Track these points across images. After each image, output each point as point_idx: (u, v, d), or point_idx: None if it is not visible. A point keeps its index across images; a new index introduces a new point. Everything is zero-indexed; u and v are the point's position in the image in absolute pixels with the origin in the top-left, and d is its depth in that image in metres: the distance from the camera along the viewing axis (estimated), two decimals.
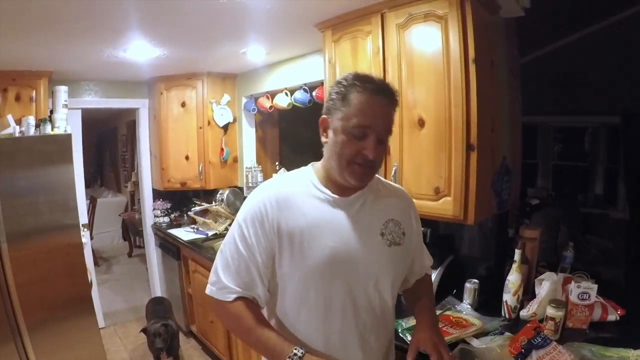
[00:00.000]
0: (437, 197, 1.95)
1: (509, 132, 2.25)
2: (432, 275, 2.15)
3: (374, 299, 1.29)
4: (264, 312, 1.35)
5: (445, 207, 1.92)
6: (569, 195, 4.08)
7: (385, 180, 1.47)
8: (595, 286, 1.74)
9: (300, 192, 1.26)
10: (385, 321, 1.36)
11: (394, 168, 2.09)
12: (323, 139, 1.27)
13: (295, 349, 1.16)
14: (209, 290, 1.28)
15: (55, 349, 2.85)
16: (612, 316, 1.79)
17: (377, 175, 1.37)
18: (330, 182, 1.28)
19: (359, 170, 1.19)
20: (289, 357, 1.15)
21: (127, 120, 7.11)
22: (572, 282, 1.80)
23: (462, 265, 2.28)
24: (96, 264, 5.83)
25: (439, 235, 2.38)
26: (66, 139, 2.96)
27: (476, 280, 2.08)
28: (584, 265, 2.06)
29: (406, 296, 1.56)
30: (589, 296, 1.73)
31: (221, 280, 1.24)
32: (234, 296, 1.23)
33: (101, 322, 4.13)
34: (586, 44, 3.19)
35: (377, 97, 1.17)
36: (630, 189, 3.49)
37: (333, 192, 1.26)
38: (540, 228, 2.16)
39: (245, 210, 1.25)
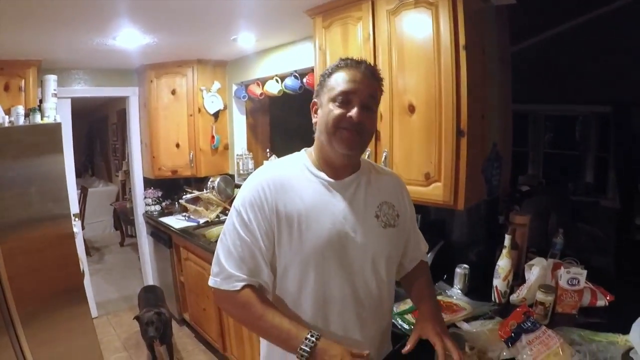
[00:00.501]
0: (427, 182, 1.96)
1: (500, 119, 2.26)
2: None
3: (371, 282, 1.31)
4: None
5: (436, 192, 1.93)
6: (559, 183, 4.10)
7: (378, 164, 1.48)
8: (585, 272, 1.75)
9: (296, 176, 1.27)
10: (382, 305, 1.38)
11: (384, 154, 2.09)
12: (314, 119, 1.30)
13: (310, 334, 1.16)
14: (213, 282, 1.26)
15: (49, 339, 2.84)
16: (602, 302, 1.80)
17: (369, 160, 1.39)
18: (323, 164, 1.29)
19: (347, 135, 1.21)
20: (305, 340, 1.15)
21: (117, 109, 7.04)
22: (562, 268, 1.80)
23: (452, 250, 2.29)
24: (88, 253, 5.83)
25: (430, 221, 2.39)
26: (56, 128, 2.92)
27: (466, 266, 2.09)
28: (573, 252, 2.07)
29: (406, 285, 1.57)
30: (579, 281, 1.74)
31: (225, 270, 1.22)
32: (241, 284, 1.21)
33: (94, 312, 4.12)
34: (578, 33, 3.19)
35: (358, 68, 1.23)
36: (620, 177, 3.51)
37: (328, 176, 1.28)
38: (530, 214, 2.17)
39: (243, 195, 1.25)
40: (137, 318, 3.23)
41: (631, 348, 1.40)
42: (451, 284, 2.12)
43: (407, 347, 1.32)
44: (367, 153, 2.15)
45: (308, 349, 1.14)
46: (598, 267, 1.93)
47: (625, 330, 1.46)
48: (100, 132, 8.88)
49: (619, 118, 3.58)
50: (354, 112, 1.19)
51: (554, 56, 3.37)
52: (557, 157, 4.50)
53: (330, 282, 1.25)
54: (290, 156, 1.37)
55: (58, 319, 2.88)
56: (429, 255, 2.15)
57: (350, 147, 1.23)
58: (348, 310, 1.28)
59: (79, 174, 7.59)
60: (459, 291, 2.07)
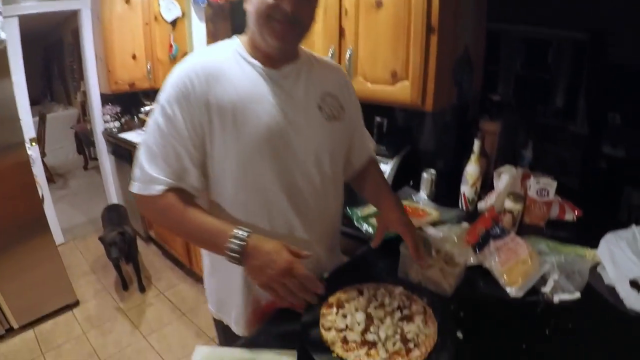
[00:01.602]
0: (394, 81, 1.85)
1: (473, 23, 2.15)
2: (388, 166, 2.12)
3: (315, 177, 1.22)
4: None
5: (403, 92, 1.83)
6: (529, 105, 4.08)
7: (319, 55, 1.34)
8: (555, 183, 1.71)
9: (228, 64, 1.13)
10: (327, 201, 1.30)
11: (348, 52, 1.97)
12: (246, 7, 1.13)
13: (238, 229, 1.03)
14: (134, 187, 1.11)
15: (15, 272, 2.84)
16: (570, 216, 1.77)
17: (308, 50, 1.27)
18: (257, 52, 1.14)
19: (279, 28, 1.06)
20: (233, 239, 1.02)
21: (72, 28, 6.62)
22: (532, 178, 1.76)
23: (419, 156, 2.24)
24: (52, 181, 5.73)
25: (397, 127, 2.33)
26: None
27: (433, 171, 2.05)
28: (541, 170, 2.04)
29: (358, 184, 1.50)
30: (548, 193, 1.70)
31: (146, 173, 1.08)
32: (161, 188, 1.07)
33: (60, 238, 4.13)
34: None
35: None
36: (590, 105, 3.49)
37: (262, 63, 1.14)
38: (501, 122, 2.11)
39: (168, 87, 1.09)
40: (100, 239, 3.17)
41: (599, 263, 1.40)
42: (417, 189, 2.09)
43: (375, 241, 1.30)
44: (331, 52, 2.03)
45: (238, 248, 1.01)
46: (566, 185, 1.90)
47: (593, 245, 1.46)
48: (56, 54, 8.44)
49: (595, 46, 3.50)
50: (287, 1, 1.04)
51: None
52: (528, 80, 4.44)
53: (271, 179, 1.14)
54: (220, 42, 1.20)
55: (22, 250, 2.87)
56: (394, 160, 2.11)
57: (284, 40, 1.09)
58: (292, 210, 1.20)
59: (38, 101, 7.35)
60: (426, 197, 2.04)
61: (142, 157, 1.10)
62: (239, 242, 1.01)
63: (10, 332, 2.92)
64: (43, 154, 5.17)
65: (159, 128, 1.08)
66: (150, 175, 1.07)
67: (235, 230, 1.02)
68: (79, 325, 3.06)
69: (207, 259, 1.37)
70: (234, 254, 1.01)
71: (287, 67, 1.17)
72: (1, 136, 2.69)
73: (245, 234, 1.02)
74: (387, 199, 1.37)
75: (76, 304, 3.26)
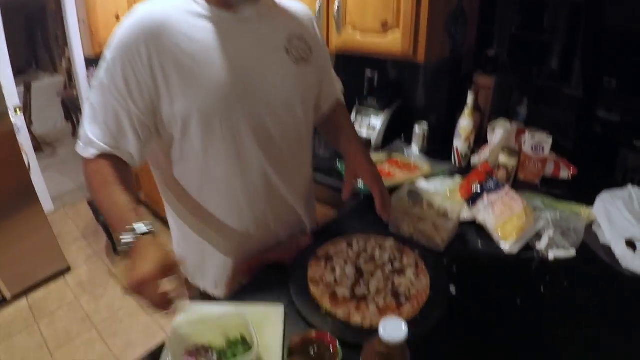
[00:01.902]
0: (384, 31, 1.78)
1: None
2: (379, 120, 2.09)
3: (288, 124, 1.15)
4: (161, 179, 1.21)
5: (394, 42, 1.76)
6: (523, 66, 4.03)
7: None
8: (550, 139, 1.66)
9: (181, 11, 1.01)
10: (302, 146, 1.25)
11: (336, 2, 1.88)
12: None
13: (140, 224, 0.90)
14: (77, 146, 1.03)
15: (4, 243, 2.83)
16: (565, 173, 1.74)
17: None
18: None
19: None
20: (127, 232, 0.89)
21: None
22: (527, 133, 1.71)
23: (411, 110, 2.19)
24: (40, 149, 5.63)
25: (388, 80, 2.26)
26: None
27: (425, 125, 2.00)
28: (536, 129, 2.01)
29: (327, 128, 1.43)
30: (543, 149, 1.66)
31: (86, 135, 1.00)
32: (94, 152, 0.99)
33: (50, 206, 4.11)
34: None
35: None
36: (586, 68, 3.44)
37: (218, 7, 1.03)
38: (495, 78, 2.07)
39: (115, 42, 0.97)
40: (89, 203, 3.17)
41: (594, 221, 1.38)
42: (409, 143, 2.06)
43: (346, 193, 1.25)
44: (318, 4, 1.94)
45: (132, 241, 0.89)
46: (561, 145, 1.87)
47: (589, 204, 1.43)
48: (40, 22, 8.22)
49: (591, 9, 3.42)
50: None
51: None
52: (524, 40, 4.38)
53: (240, 129, 1.06)
54: None
55: (11, 221, 2.86)
56: (385, 113, 2.07)
57: None
58: (265, 157, 1.12)
59: (23, 70, 7.16)
60: (417, 151, 2.01)
61: (85, 116, 1.02)
62: (133, 237, 0.89)
63: (4, 302, 2.91)
64: (30, 123, 5.08)
65: (102, 85, 0.99)
66: (89, 138, 1.00)
67: (135, 224, 0.90)
68: (72, 291, 3.06)
69: (175, 227, 1.31)
70: (124, 247, 0.90)
71: (247, 10, 1.06)
72: None
73: (145, 232, 0.90)
74: (355, 148, 1.32)
75: (68, 270, 3.26)
